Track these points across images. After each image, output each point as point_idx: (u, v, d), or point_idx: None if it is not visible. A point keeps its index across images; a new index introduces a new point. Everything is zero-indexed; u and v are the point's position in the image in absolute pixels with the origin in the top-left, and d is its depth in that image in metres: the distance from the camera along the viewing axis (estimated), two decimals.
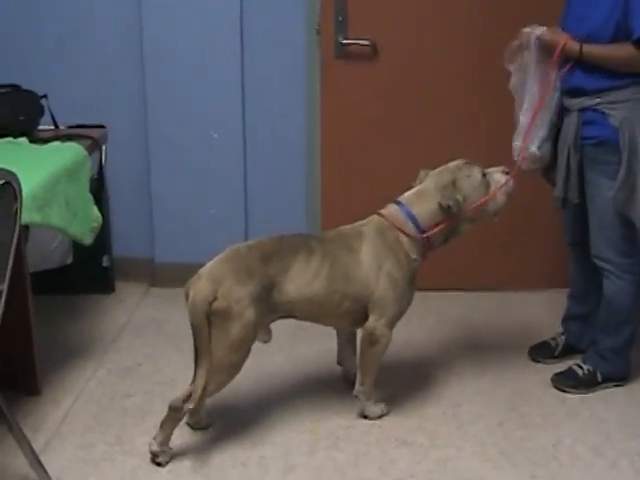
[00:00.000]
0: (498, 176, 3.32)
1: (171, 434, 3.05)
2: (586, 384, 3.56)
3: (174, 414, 3.01)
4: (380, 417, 3.35)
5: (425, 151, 4.26)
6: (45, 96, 3.78)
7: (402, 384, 3.61)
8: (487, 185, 3.28)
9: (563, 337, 3.81)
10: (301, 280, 3.07)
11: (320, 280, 3.09)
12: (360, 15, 4.15)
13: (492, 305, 4.42)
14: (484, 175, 3.28)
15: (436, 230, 3.22)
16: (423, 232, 3.22)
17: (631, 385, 3.61)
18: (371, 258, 3.17)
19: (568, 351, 3.77)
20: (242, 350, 3.01)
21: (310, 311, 3.16)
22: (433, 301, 4.38)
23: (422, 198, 3.25)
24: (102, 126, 4.04)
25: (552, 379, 3.61)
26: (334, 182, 4.39)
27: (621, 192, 3.23)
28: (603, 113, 3.23)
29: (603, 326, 3.53)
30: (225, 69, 4.27)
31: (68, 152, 3.46)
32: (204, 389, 2.95)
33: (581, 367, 3.59)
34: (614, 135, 3.21)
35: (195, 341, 2.98)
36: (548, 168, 3.52)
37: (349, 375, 3.51)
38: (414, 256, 3.23)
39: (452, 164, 3.30)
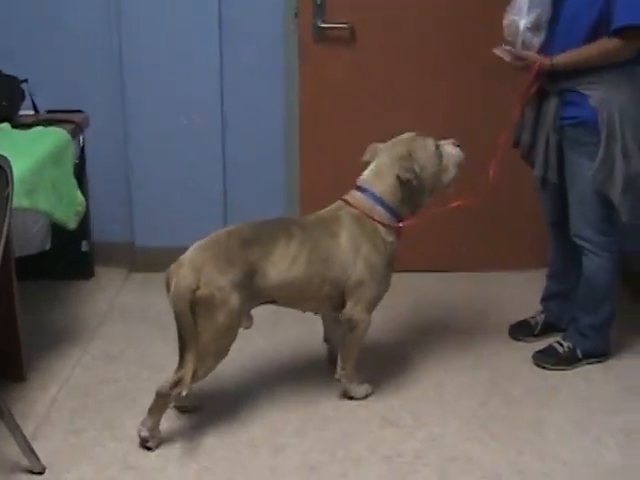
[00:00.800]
0: (449, 148, 3.33)
1: (159, 419, 3.07)
2: (567, 361, 3.62)
3: (161, 400, 3.02)
4: (365, 397, 3.39)
5: (400, 133, 4.29)
6: (26, 80, 3.76)
7: (384, 365, 3.65)
8: (440, 156, 3.29)
9: (543, 315, 3.87)
10: (282, 265, 3.08)
11: (300, 264, 3.11)
12: None
13: (471, 285, 4.47)
14: (437, 147, 3.30)
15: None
16: (392, 212, 3.25)
17: (610, 361, 3.67)
18: (350, 242, 3.19)
19: (548, 329, 3.84)
20: (228, 336, 3.03)
21: (291, 296, 3.17)
22: (413, 282, 4.42)
23: (380, 175, 3.25)
24: (80, 111, 4.02)
25: (533, 356, 3.67)
26: (313, 166, 4.41)
27: (600, 172, 3.28)
28: (582, 94, 3.28)
29: (582, 304, 3.59)
30: (203, 53, 4.28)
31: (52, 137, 3.45)
32: (194, 375, 2.98)
33: (561, 344, 3.65)
34: (593, 115, 3.26)
35: (179, 329, 3.00)
36: (528, 149, 3.56)
37: (333, 354, 3.53)
38: (390, 239, 3.26)
39: (405, 136, 3.32)
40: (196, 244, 3.06)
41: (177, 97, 4.33)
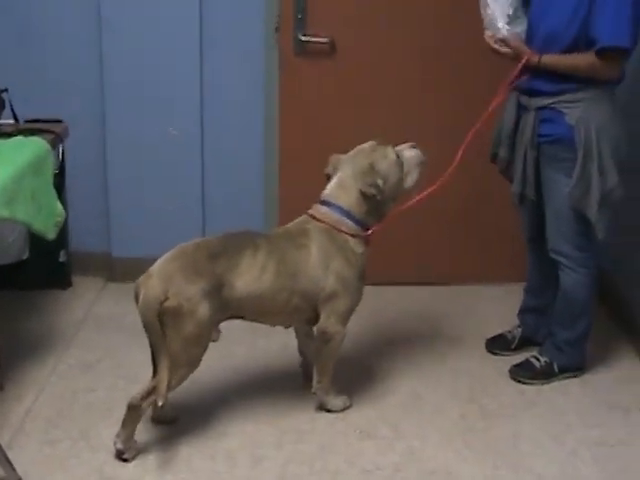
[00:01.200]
0: (408, 152, 3.33)
1: (134, 431, 3.06)
2: (543, 375, 3.64)
3: (134, 412, 3.01)
4: (343, 410, 3.39)
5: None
6: (6, 90, 3.74)
7: (362, 377, 3.65)
8: (401, 164, 3.29)
9: (519, 329, 3.88)
10: (249, 276, 3.07)
11: (267, 276, 3.10)
12: (319, 13, 4.18)
13: (448, 299, 4.48)
14: (397, 154, 3.29)
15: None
16: (359, 223, 3.25)
17: (587, 376, 3.70)
18: (320, 256, 3.19)
19: (524, 343, 3.85)
20: (199, 346, 3.03)
21: (259, 309, 3.17)
22: (390, 295, 4.43)
23: (344, 188, 3.25)
24: (60, 120, 4.00)
25: (510, 371, 3.69)
26: (292, 178, 4.41)
27: (577, 189, 3.30)
28: (560, 112, 3.31)
29: (560, 319, 3.61)
30: (184, 64, 4.26)
31: (33, 146, 3.43)
32: (167, 385, 2.97)
33: (538, 359, 3.67)
34: (570, 133, 3.28)
35: (150, 339, 3.00)
36: (506, 165, 3.59)
37: (308, 368, 3.53)
38: (360, 250, 3.26)
39: (365, 146, 3.31)
40: (164, 256, 3.07)
41: (157, 109, 4.31)
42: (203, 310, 2.96)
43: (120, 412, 3.08)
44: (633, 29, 3.12)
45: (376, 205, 3.25)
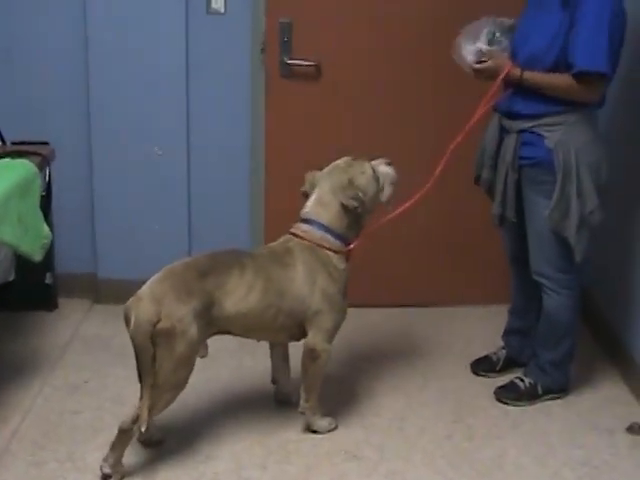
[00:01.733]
0: (383, 168, 3.38)
1: (122, 455, 3.06)
2: (528, 397, 3.66)
3: (124, 435, 3.01)
4: (329, 431, 3.40)
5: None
6: None
7: (347, 398, 3.67)
8: (377, 178, 3.34)
9: (504, 351, 3.90)
10: (237, 295, 3.10)
11: (254, 294, 3.12)
12: (305, 36, 4.21)
13: (433, 320, 4.49)
14: (373, 168, 3.34)
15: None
16: (341, 238, 3.28)
17: (570, 397, 3.72)
18: (305, 274, 3.22)
19: (509, 365, 3.87)
20: (187, 367, 3.04)
21: (247, 326, 3.19)
22: (374, 317, 4.45)
23: (324, 205, 3.29)
24: (46, 143, 4.01)
25: (495, 392, 3.70)
26: (278, 199, 4.42)
27: (556, 211, 3.33)
28: (539, 135, 3.35)
29: (543, 340, 3.64)
30: (170, 86, 4.29)
31: (19, 169, 3.45)
32: (151, 409, 2.97)
33: (522, 380, 3.69)
34: (549, 156, 3.32)
35: (138, 362, 3.00)
36: (488, 186, 3.62)
37: (281, 394, 3.57)
38: (342, 266, 3.30)
39: (341, 162, 3.36)
40: (153, 278, 3.07)
41: (143, 130, 4.33)
42: (193, 330, 2.97)
43: (106, 434, 3.10)
44: (609, 54, 3.16)
45: (356, 218, 3.29)
